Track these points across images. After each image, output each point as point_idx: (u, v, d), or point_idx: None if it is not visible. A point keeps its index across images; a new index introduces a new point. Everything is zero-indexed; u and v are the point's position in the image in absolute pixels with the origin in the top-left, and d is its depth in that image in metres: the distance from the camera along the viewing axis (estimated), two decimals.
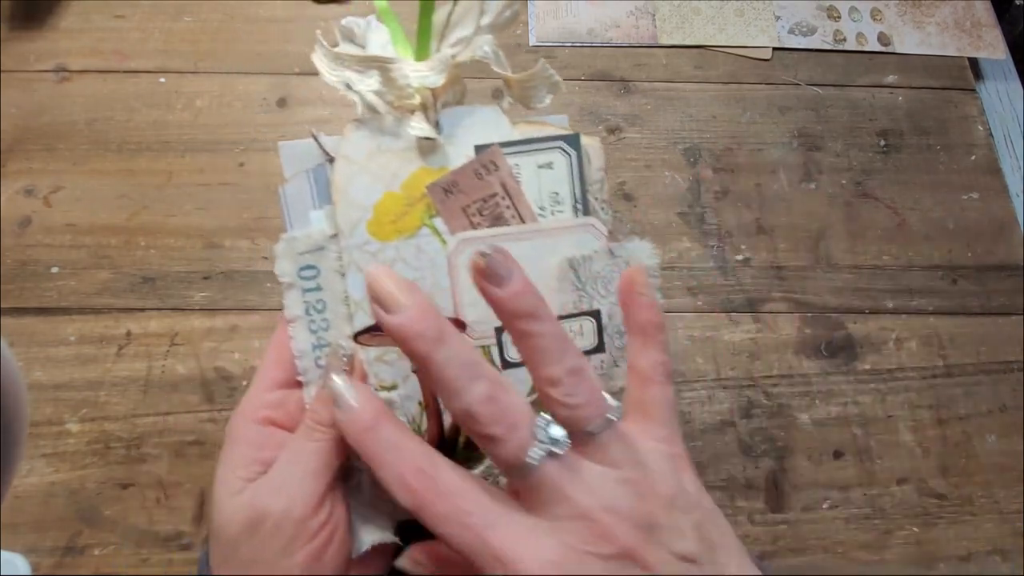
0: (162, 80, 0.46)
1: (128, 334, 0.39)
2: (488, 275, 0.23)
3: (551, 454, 0.22)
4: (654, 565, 0.22)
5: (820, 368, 0.41)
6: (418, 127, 0.29)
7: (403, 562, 0.26)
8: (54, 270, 0.41)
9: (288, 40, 0.48)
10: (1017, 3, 0.53)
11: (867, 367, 0.41)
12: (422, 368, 0.23)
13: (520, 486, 0.23)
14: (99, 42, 0.47)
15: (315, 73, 0.47)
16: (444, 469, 0.23)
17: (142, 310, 0.40)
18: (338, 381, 0.25)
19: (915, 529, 0.37)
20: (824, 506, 0.38)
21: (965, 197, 0.46)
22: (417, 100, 0.30)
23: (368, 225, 0.30)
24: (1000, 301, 0.43)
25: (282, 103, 0.46)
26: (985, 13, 0.52)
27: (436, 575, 0.26)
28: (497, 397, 0.22)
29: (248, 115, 0.45)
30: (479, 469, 0.29)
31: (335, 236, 0.30)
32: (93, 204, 0.42)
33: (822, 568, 0.36)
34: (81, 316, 0.40)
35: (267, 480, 0.27)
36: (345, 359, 0.29)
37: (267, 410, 0.29)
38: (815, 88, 0.49)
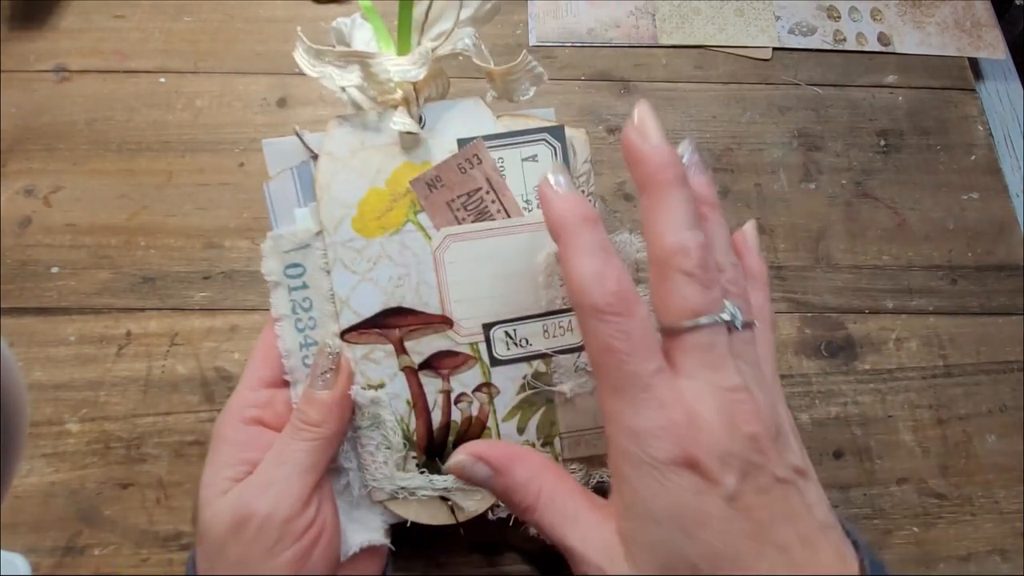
0: (162, 80, 0.46)
1: (128, 334, 0.39)
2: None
3: (729, 326, 0.23)
4: (776, 464, 0.22)
5: (820, 368, 0.41)
6: (400, 122, 0.29)
7: (457, 461, 0.26)
8: (54, 270, 0.41)
9: (288, 40, 0.48)
10: (1017, 3, 0.53)
11: (867, 367, 0.41)
12: (652, 200, 0.24)
13: (687, 341, 0.23)
14: (99, 42, 0.47)
15: None
16: (643, 302, 0.23)
17: (142, 310, 0.40)
18: (556, 167, 0.25)
19: (915, 529, 0.37)
20: None
21: (965, 197, 0.46)
22: (399, 95, 0.30)
23: (353, 222, 0.30)
24: (1000, 301, 0.43)
25: (282, 103, 0.46)
26: (985, 13, 0.52)
27: (492, 476, 0.26)
28: (709, 251, 0.24)
29: (248, 115, 0.45)
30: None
31: (320, 233, 0.30)
32: (93, 204, 0.42)
33: None
34: (81, 316, 0.40)
35: (253, 480, 0.27)
36: (332, 357, 0.29)
37: (254, 409, 0.29)
38: (815, 88, 0.49)
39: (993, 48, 0.51)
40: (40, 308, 0.40)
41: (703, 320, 0.23)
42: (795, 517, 0.22)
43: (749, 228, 0.29)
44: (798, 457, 0.23)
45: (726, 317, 0.23)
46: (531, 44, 0.49)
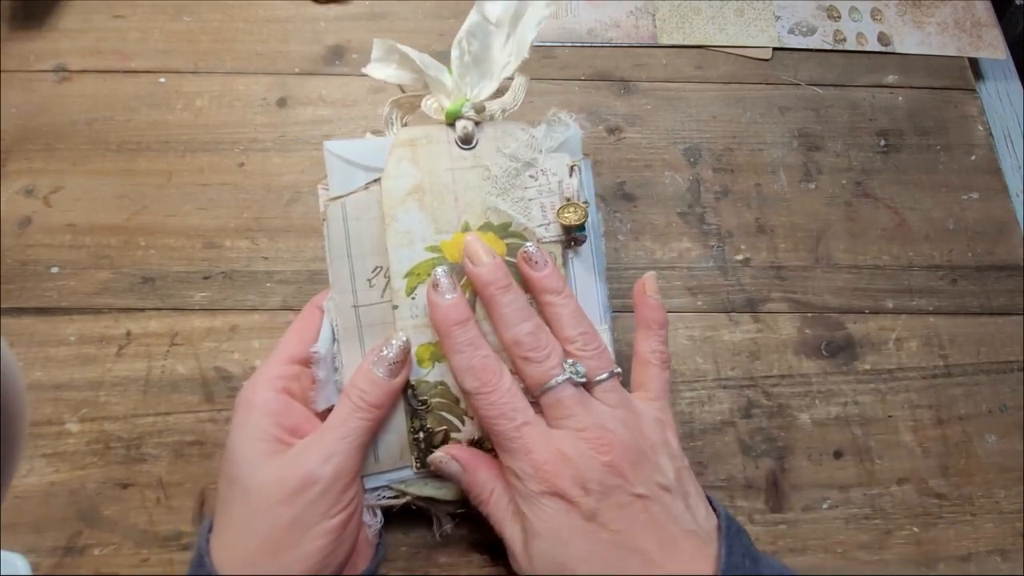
0: (162, 80, 0.46)
1: (128, 334, 0.39)
2: (530, 262, 0.32)
3: (572, 382, 0.30)
4: (635, 483, 0.28)
5: (820, 368, 0.41)
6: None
7: (436, 456, 0.32)
8: (54, 270, 0.41)
9: (288, 40, 0.48)
10: (1017, 3, 0.53)
11: (867, 367, 0.41)
12: (489, 307, 0.31)
13: (543, 402, 0.30)
14: (99, 42, 0.47)
15: (315, 73, 0.47)
16: (506, 374, 0.30)
17: (142, 310, 0.40)
18: (442, 273, 0.32)
19: (915, 529, 0.37)
20: (824, 506, 0.38)
21: (965, 197, 0.46)
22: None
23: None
24: (1000, 301, 0.43)
25: (282, 103, 0.46)
26: (985, 13, 0.52)
27: (460, 472, 0.32)
28: (539, 334, 0.31)
29: (248, 115, 0.45)
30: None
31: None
32: (93, 204, 0.42)
33: (822, 568, 0.36)
34: (81, 316, 0.40)
35: (311, 447, 0.30)
36: (403, 348, 0.32)
37: (285, 380, 0.32)
38: (815, 88, 0.49)
39: (993, 48, 0.51)
40: (40, 308, 0.40)
41: (547, 386, 0.30)
42: (656, 526, 0.28)
43: (648, 278, 0.35)
44: (665, 476, 0.29)
45: (563, 378, 0.30)
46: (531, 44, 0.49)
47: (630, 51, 0.49)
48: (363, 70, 0.35)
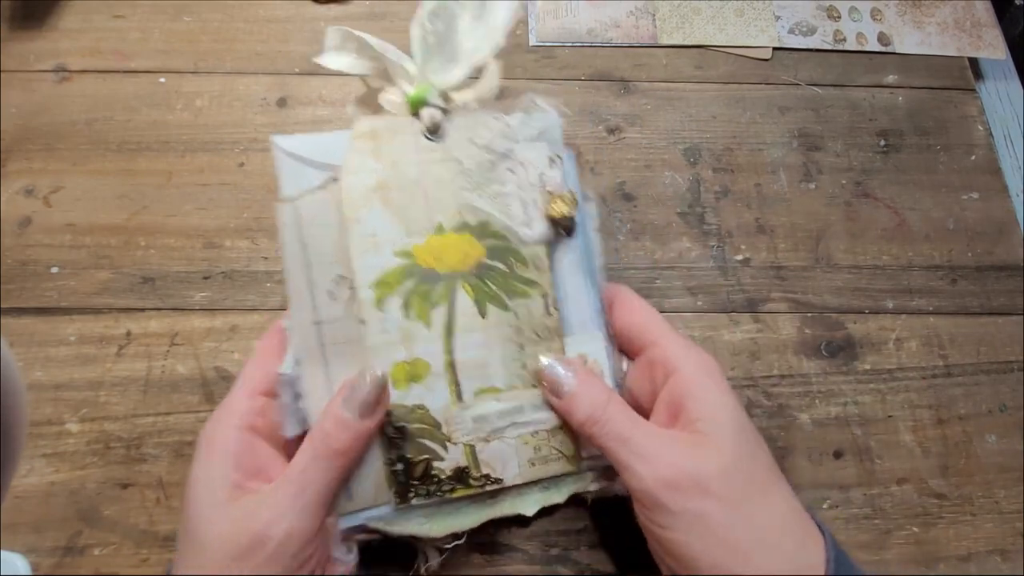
0: (162, 80, 0.46)
1: (128, 334, 0.39)
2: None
3: None
4: None
5: (820, 368, 0.41)
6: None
7: (547, 362, 0.31)
8: (54, 270, 0.41)
9: (288, 40, 0.48)
10: (1017, 3, 0.53)
11: (867, 367, 0.41)
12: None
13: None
14: (99, 42, 0.47)
15: (315, 73, 0.47)
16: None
17: (142, 310, 0.40)
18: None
19: (915, 529, 0.37)
20: (824, 506, 0.38)
21: (965, 197, 0.46)
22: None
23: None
24: (1000, 301, 0.43)
25: (282, 103, 0.46)
26: (985, 13, 0.52)
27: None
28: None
29: (248, 115, 0.45)
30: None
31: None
32: (93, 204, 0.42)
33: None
34: (81, 316, 0.40)
35: (268, 502, 0.27)
36: (378, 387, 0.28)
37: (251, 416, 0.29)
38: (815, 88, 0.49)
39: (993, 48, 0.51)
40: (40, 308, 0.40)
41: None
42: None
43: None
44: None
45: None
46: (531, 44, 0.49)
47: (630, 51, 0.49)
48: (316, 60, 0.32)
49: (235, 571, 0.26)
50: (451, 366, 0.30)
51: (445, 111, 0.31)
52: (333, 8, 0.49)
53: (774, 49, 0.50)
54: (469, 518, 0.31)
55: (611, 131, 0.47)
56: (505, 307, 0.31)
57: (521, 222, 0.31)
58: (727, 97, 0.48)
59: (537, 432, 0.31)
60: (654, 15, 0.51)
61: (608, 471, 0.32)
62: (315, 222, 0.30)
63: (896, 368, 0.41)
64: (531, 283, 0.31)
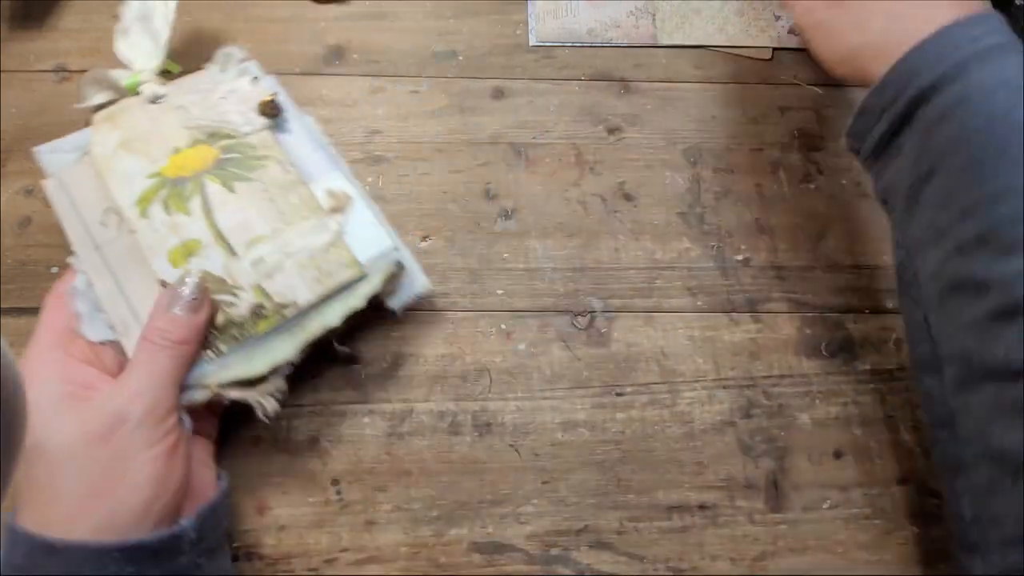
0: None
1: None
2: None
3: None
4: None
5: (820, 368, 0.41)
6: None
7: None
8: (54, 270, 0.41)
9: (288, 40, 0.48)
10: (1017, 3, 0.53)
11: (867, 367, 0.41)
12: None
13: None
14: (99, 42, 0.47)
15: (315, 73, 0.47)
16: None
17: None
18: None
19: (915, 529, 0.37)
20: (824, 506, 0.38)
21: None
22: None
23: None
24: None
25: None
26: None
27: None
28: None
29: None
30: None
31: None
32: None
33: (822, 568, 0.36)
34: None
35: (120, 388, 0.30)
36: (199, 287, 0.33)
37: (61, 347, 0.32)
38: (815, 88, 0.49)
39: None
40: (40, 308, 0.40)
41: None
42: None
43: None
44: None
45: None
46: (531, 44, 0.49)
47: (630, 51, 0.49)
48: (78, 106, 0.40)
49: (98, 454, 0.28)
50: (219, 235, 0.35)
51: (161, 84, 0.40)
52: (333, 8, 0.49)
53: (774, 49, 0.50)
54: (285, 347, 0.34)
55: (611, 131, 0.47)
56: (248, 179, 0.36)
57: (242, 123, 0.39)
58: (727, 97, 0.48)
59: (313, 255, 0.35)
60: (654, 15, 0.51)
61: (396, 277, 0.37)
62: (78, 184, 0.37)
63: (896, 368, 0.41)
64: (264, 157, 0.38)
